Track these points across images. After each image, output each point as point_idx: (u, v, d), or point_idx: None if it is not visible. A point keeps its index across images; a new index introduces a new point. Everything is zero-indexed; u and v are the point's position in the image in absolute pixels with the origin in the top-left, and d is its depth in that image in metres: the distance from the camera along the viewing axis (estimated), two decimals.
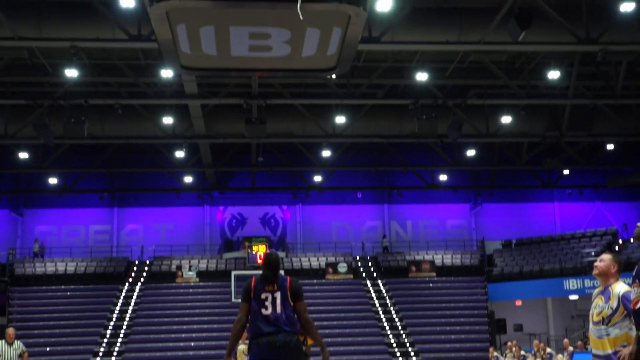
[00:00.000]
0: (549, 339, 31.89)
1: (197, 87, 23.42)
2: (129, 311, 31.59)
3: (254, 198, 36.35)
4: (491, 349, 25.69)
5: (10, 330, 14.09)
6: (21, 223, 36.43)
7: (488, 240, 36.18)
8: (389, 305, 32.47)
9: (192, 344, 29.94)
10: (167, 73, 22.45)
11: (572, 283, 31.29)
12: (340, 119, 26.12)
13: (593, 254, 31.58)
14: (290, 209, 37.56)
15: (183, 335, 30.52)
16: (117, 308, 31.78)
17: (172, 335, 30.43)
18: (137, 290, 32.86)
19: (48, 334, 30.00)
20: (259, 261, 31.93)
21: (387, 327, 31.14)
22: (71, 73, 21.85)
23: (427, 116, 23.75)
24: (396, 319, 31.58)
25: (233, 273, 31.12)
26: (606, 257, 6.67)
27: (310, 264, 34.69)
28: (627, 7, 18.12)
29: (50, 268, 33.53)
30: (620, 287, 6.45)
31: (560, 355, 23.92)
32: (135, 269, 34.49)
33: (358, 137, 28.39)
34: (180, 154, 29.00)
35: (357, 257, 35.87)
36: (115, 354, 29.16)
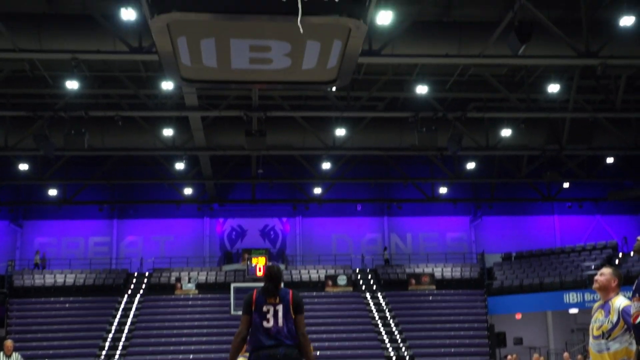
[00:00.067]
0: (549, 352, 31.80)
1: (197, 99, 23.44)
2: (128, 323, 31.49)
3: (254, 210, 36.32)
4: None
5: (9, 342, 14.03)
6: (20, 234, 36.38)
7: (488, 253, 36.14)
8: (389, 318, 32.38)
9: (191, 356, 29.83)
10: (167, 85, 22.48)
11: (572, 296, 31.22)
12: (341, 132, 26.14)
13: (593, 267, 31.53)
14: (290, 221, 37.52)
15: (182, 347, 30.42)
16: (116, 320, 31.70)
17: (171, 348, 30.33)
18: (136, 302, 32.77)
19: (46, 346, 29.87)
20: (259, 273, 31.89)
21: (387, 340, 31.04)
22: (72, 85, 21.88)
23: (427, 129, 23.76)
24: (396, 332, 31.48)
25: (232, 285, 31.05)
26: (606, 271, 6.65)
27: (310, 277, 34.62)
28: (626, 22, 18.17)
29: (49, 280, 33.46)
30: (620, 301, 6.43)
31: None
32: (134, 280, 34.42)
33: (358, 150, 28.41)
34: (180, 165, 29.01)
35: (357, 270, 35.81)
36: None
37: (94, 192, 34.57)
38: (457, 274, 35.06)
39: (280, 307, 6.60)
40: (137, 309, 32.39)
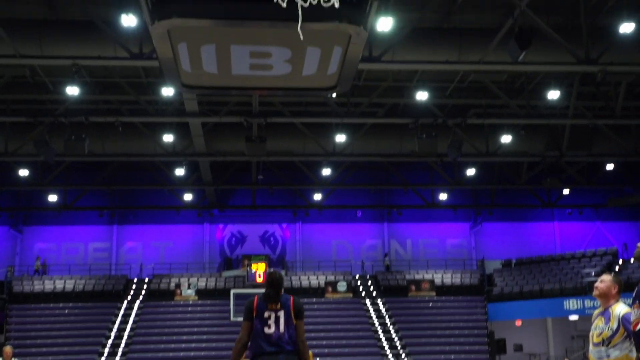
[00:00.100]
0: (549, 359, 31.74)
1: (197, 105, 23.46)
2: (128, 329, 31.44)
3: (254, 216, 36.30)
4: None
5: (8, 348, 14.01)
6: (20, 240, 36.35)
7: (488, 259, 36.13)
8: (389, 324, 32.34)
9: None
10: (168, 91, 22.50)
11: (572, 303, 31.18)
12: (341, 138, 26.15)
13: (593, 274, 31.50)
14: (290, 227, 37.49)
15: (181, 353, 30.36)
16: (116, 326, 31.64)
17: (171, 354, 30.27)
18: (135, 308, 32.72)
19: (46, 352, 29.81)
20: (258, 280, 31.86)
21: (387, 347, 30.99)
22: (72, 91, 21.89)
23: (427, 135, 23.78)
24: (395, 339, 31.43)
25: (232, 291, 30.99)
26: (607, 278, 6.64)
27: (310, 283, 34.58)
28: (626, 28, 18.19)
29: (48, 286, 33.42)
30: (620, 308, 6.42)
31: None
32: (134, 286, 34.38)
33: (358, 156, 28.42)
34: (180, 171, 29.00)
35: (357, 276, 35.77)
36: None
37: (94, 198, 34.56)
38: (457, 280, 35.04)
39: (281, 313, 6.60)
40: (136, 315, 32.35)
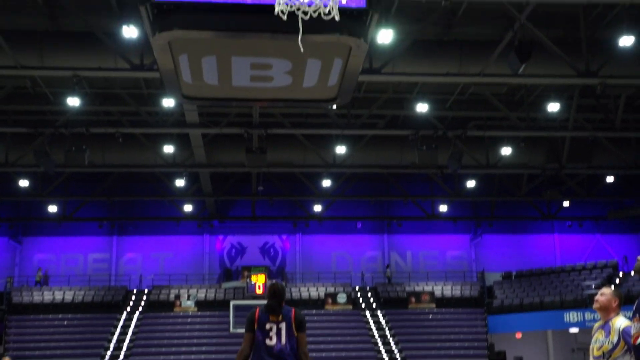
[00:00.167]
0: None
1: (198, 116, 23.48)
2: (127, 340, 31.34)
3: (254, 227, 36.27)
4: None
5: None
6: (20, 251, 36.29)
7: (488, 271, 36.03)
8: (389, 336, 32.24)
9: None
10: (168, 102, 22.53)
11: (572, 316, 31.08)
12: (341, 149, 26.17)
13: (593, 286, 31.41)
14: (290, 239, 37.44)
15: None
16: (115, 337, 31.54)
17: None
18: (135, 319, 32.64)
19: None
20: (258, 291, 31.78)
21: (387, 359, 30.88)
22: (73, 102, 21.92)
23: (427, 147, 23.80)
24: (395, 351, 31.33)
25: (232, 303, 30.93)
26: (607, 291, 6.63)
27: (310, 294, 34.50)
28: (626, 42, 18.23)
29: (48, 297, 33.34)
30: (620, 322, 6.40)
31: None
32: (133, 297, 34.29)
33: (358, 167, 28.42)
34: (180, 182, 29.00)
35: (357, 288, 35.69)
36: None
37: (93, 209, 34.54)
38: (457, 292, 34.95)
39: (283, 325, 6.59)
40: (136, 326, 32.26)
